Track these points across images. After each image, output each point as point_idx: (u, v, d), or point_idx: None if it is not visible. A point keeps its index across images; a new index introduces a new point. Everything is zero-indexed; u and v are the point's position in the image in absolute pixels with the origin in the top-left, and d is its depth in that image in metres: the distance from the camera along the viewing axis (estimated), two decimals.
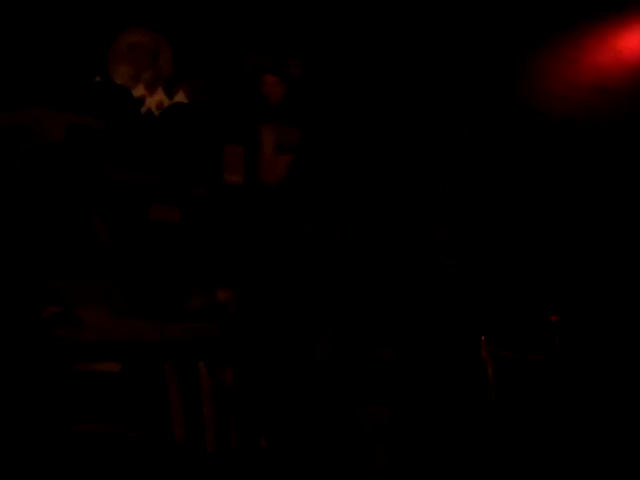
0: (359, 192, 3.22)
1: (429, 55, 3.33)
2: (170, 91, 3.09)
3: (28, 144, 1.48)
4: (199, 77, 3.15)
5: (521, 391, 3.21)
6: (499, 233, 3.43)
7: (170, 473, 2.72)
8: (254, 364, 2.92)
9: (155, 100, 3.07)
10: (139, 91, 3.05)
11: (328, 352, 3.00)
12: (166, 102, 3.07)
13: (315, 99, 3.23)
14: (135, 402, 2.77)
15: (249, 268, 3.09)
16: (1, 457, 2.52)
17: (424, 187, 3.33)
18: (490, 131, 3.40)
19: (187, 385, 2.80)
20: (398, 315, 3.20)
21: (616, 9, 3.24)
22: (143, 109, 3.03)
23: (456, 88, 3.37)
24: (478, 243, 3.40)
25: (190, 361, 2.82)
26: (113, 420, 2.73)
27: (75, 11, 3.00)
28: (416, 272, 3.23)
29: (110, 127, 2.57)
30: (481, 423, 3.18)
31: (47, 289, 2.77)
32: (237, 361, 2.88)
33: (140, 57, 3.09)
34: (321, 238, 3.07)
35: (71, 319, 2.76)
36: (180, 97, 3.09)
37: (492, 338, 3.24)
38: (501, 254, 3.43)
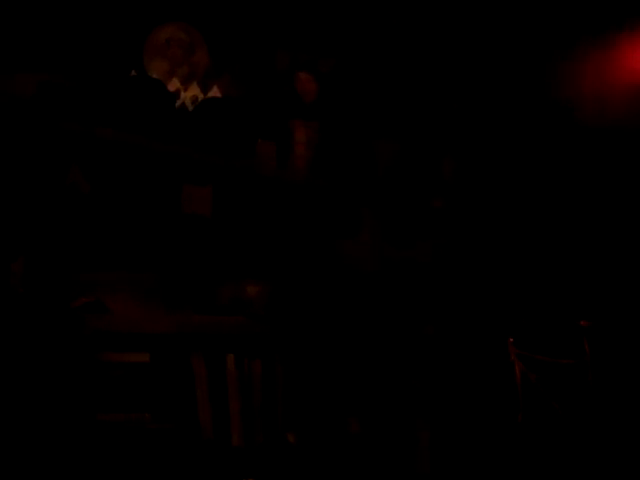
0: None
1: (457, 53, 3.33)
2: (205, 86, 3.11)
3: None
4: (233, 73, 3.17)
5: (549, 395, 3.18)
6: (529, 234, 3.42)
7: (195, 464, 2.72)
8: (283, 358, 2.92)
9: (189, 95, 3.08)
10: (174, 85, 3.07)
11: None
12: (200, 97, 3.09)
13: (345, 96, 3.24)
14: (162, 393, 2.78)
15: (279, 263, 3.10)
16: (27, 444, 2.53)
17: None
18: (522, 132, 3.40)
19: (215, 377, 2.80)
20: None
21: None
22: (177, 103, 3.05)
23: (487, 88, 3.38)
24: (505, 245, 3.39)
25: (218, 354, 2.82)
26: (140, 410, 2.74)
27: (112, 5, 3.03)
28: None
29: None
30: (508, 425, 3.17)
31: (78, 278, 2.79)
32: (266, 355, 2.89)
33: (175, 52, 3.12)
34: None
35: (101, 309, 2.77)
36: (214, 92, 3.11)
37: (520, 341, 3.23)
38: (532, 257, 3.41)
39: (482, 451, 3.15)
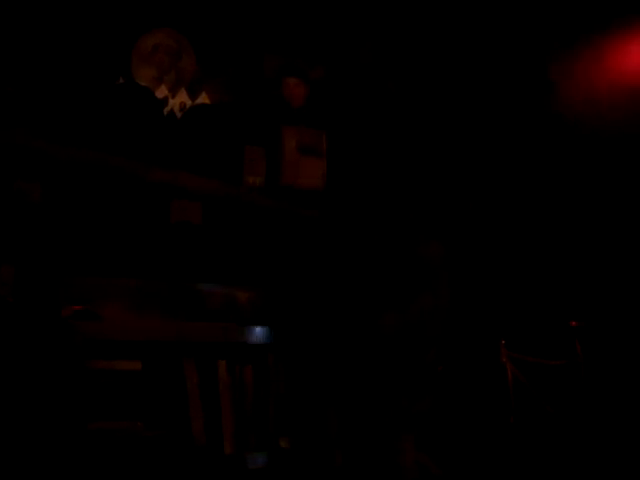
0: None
1: (452, 60, 3.34)
2: (193, 92, 3.11)
3: None
4: (222, 79, 3.17)
5: (541, 396, 3.19)
6: (524, 237, 3.43)
7: (188, 472, 2.71)
8: (274, 364, 2.91)
9: (178, 101, 3.08)
10: (162, 92, 3.06)
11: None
12: (188, 103, 3.09)
13: (338, 102, 3.24)
14: (154, 400, 2.77)
15: (269, 269, 3.10)
16: (17, 453, 2.52)
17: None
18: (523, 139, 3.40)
19: (207, 384, 2.80)
20: None
21: None
22: (166, 110, 3.05)
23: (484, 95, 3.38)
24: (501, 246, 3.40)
25: (210, 360, 2.82)
26: (132, 418, 2.73)
27: (99, 13, 3.03)
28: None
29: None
30: (500, 427, 3.17)
31: (68, 285, 2.78)
32: (257, 361, 2.88)
33: (163, 59, 3.11)
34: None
35: (92, 316, 2.77)
36: (202, 98, 3.11)
37: (512, 343, 3.23)
38: (523, 260, 3.42)
39: (475, 452, 3.15)
